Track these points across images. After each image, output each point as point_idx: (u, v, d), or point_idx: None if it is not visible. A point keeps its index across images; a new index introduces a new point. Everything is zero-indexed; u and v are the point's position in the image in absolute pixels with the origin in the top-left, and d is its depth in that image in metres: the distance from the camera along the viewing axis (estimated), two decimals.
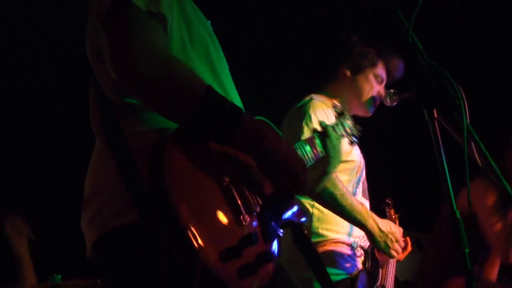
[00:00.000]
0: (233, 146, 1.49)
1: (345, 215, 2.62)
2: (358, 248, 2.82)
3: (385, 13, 1.72)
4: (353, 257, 2.80)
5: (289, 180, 1.57)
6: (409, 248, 3.52)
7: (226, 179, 1.47)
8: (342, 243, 2.78)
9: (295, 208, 1.73)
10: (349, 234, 2.79)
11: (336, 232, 2.77)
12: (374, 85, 2.97)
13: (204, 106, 1.43)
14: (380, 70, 2.99)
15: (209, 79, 1.62)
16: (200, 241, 1.33)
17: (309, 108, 2.76)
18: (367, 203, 2.98)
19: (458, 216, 1.55)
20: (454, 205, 1.57)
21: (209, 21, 1.88)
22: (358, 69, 2.96)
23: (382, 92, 2.97)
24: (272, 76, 4.63)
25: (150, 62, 1.42)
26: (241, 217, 1.46)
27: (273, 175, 1.56)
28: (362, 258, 2.85)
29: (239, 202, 1.47)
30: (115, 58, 1.44)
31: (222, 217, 1.42)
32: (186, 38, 1.62)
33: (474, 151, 1.65)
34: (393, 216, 3.69)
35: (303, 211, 1.83)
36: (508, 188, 1.60)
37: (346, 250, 2.79)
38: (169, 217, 1.33)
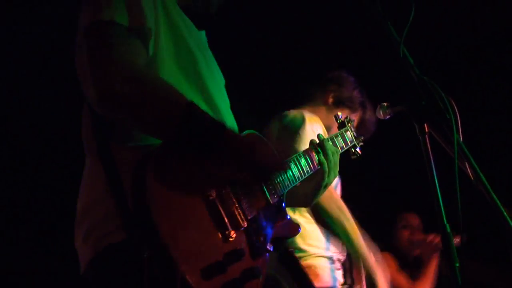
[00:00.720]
0: (217, 159, 1.48)
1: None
2: (337, 262, 2.87)
3: (377, 27, 1.73)
4: (333, 270, 2.84)
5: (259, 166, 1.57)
6: None
7: (212, 195, 1.46)
8: (323, 256, 2.81)
9: (286, 221, 1.72)
10: (327, 249, 2.83)
11: (316, 247, 2.80)
12: None
13: (186, 123, 1.43)
14: (354, 117, 3.05)
15: (196, 96, 1.62)
16: (181, 259, 1.32)
17: (303, 120, 2.77)
18: None
19: (449, 230, 1.55)
20: (445, 219, 1.57)
21: (203, 31, 1.86)
22: (339, 104, 3.06)
23: None
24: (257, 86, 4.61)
25: (129, 82, 1.41)
26: (227, 232, 1.45)
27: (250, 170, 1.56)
28: (341, 271, 2.90)
29: (225, 218, 1.46)
30: (94, 79, 1.42)
31: (206, 233, 1.42)
32: (172, 54, 1.62)
33: (466, 165, 1.65)
34: None
35: (297, 224, 1.81)
36: (496, 198, 1.59)
37: (327, 264, 2.82)
38: (150, 235, 1.33)
